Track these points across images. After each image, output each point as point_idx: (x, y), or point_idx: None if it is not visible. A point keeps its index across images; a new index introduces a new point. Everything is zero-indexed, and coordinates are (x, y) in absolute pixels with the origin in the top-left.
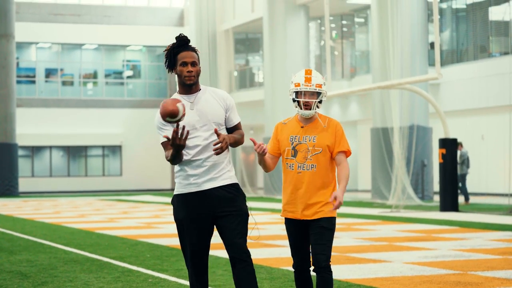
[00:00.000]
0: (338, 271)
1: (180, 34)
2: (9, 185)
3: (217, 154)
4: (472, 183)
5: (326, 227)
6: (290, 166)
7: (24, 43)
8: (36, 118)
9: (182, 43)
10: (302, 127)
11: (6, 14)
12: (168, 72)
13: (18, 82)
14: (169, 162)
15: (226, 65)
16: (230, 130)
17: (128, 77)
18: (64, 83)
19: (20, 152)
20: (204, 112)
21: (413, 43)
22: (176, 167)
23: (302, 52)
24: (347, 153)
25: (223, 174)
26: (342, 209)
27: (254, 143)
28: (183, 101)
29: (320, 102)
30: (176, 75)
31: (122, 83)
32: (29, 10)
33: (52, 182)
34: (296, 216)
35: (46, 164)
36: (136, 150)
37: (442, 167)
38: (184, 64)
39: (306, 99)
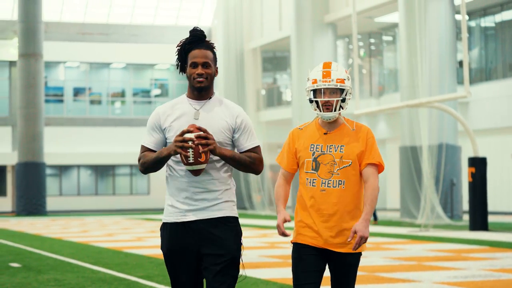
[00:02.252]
0: None
1: (195, 27)
2: (37, 204)
3: (203, 148)
4: (502, 202)
5: (353, 264)
6: (311, 182)
7: (52, 62)
8: (64, 137)
9: (195, 38)
10: (325, 133)
11: (34, 34)
12: (180, 73)
13: (46, 101)
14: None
15: (254, 84)
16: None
17: (156, 95)
18: (92, 102)
19: (48, 171)
20: (206, 126)
21: (441, 61)
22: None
23: None
24: (379, 168)
25: (217, 204)
26: (371, 228)
27: (281, 231)
28: (189, 106)
29: (343, 101)
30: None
31: (150, 102)
32: (58, 29)
33: (80, 201)
34: (317, 243)
35: (74, 183)
36: (163, 168)
37: (472, 186)
38: (194, 65)
39: (326, 98)
